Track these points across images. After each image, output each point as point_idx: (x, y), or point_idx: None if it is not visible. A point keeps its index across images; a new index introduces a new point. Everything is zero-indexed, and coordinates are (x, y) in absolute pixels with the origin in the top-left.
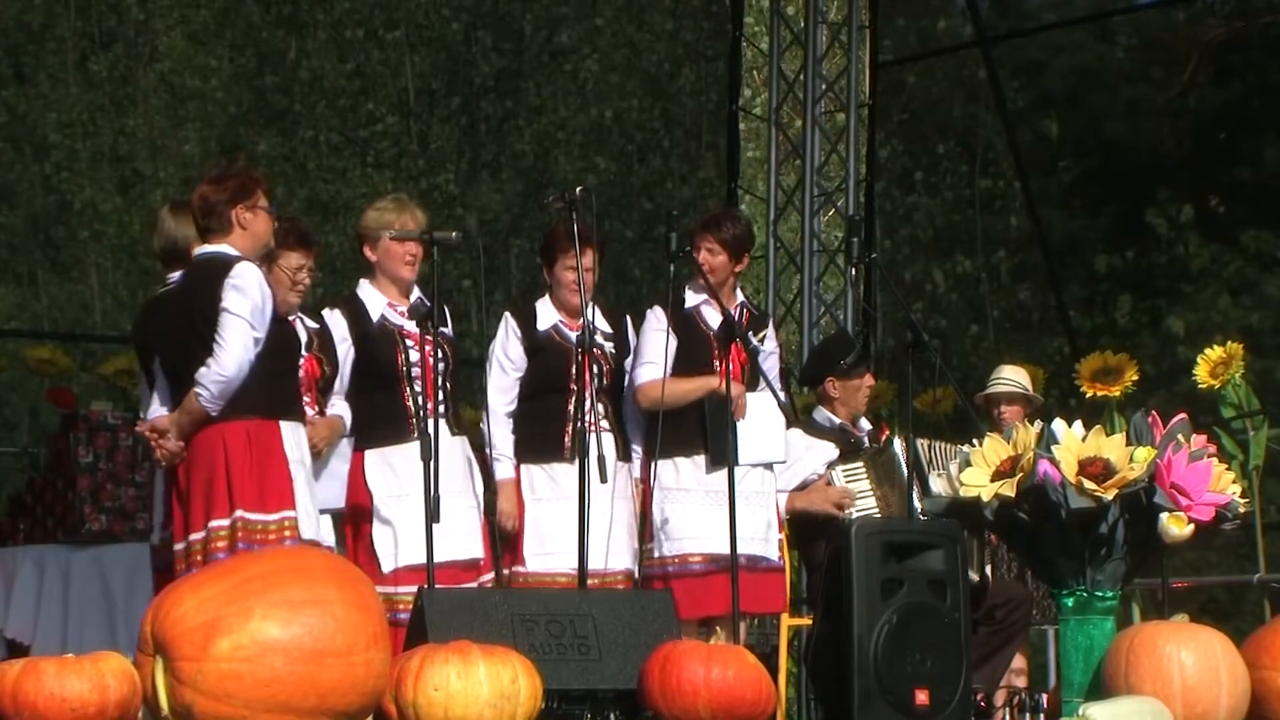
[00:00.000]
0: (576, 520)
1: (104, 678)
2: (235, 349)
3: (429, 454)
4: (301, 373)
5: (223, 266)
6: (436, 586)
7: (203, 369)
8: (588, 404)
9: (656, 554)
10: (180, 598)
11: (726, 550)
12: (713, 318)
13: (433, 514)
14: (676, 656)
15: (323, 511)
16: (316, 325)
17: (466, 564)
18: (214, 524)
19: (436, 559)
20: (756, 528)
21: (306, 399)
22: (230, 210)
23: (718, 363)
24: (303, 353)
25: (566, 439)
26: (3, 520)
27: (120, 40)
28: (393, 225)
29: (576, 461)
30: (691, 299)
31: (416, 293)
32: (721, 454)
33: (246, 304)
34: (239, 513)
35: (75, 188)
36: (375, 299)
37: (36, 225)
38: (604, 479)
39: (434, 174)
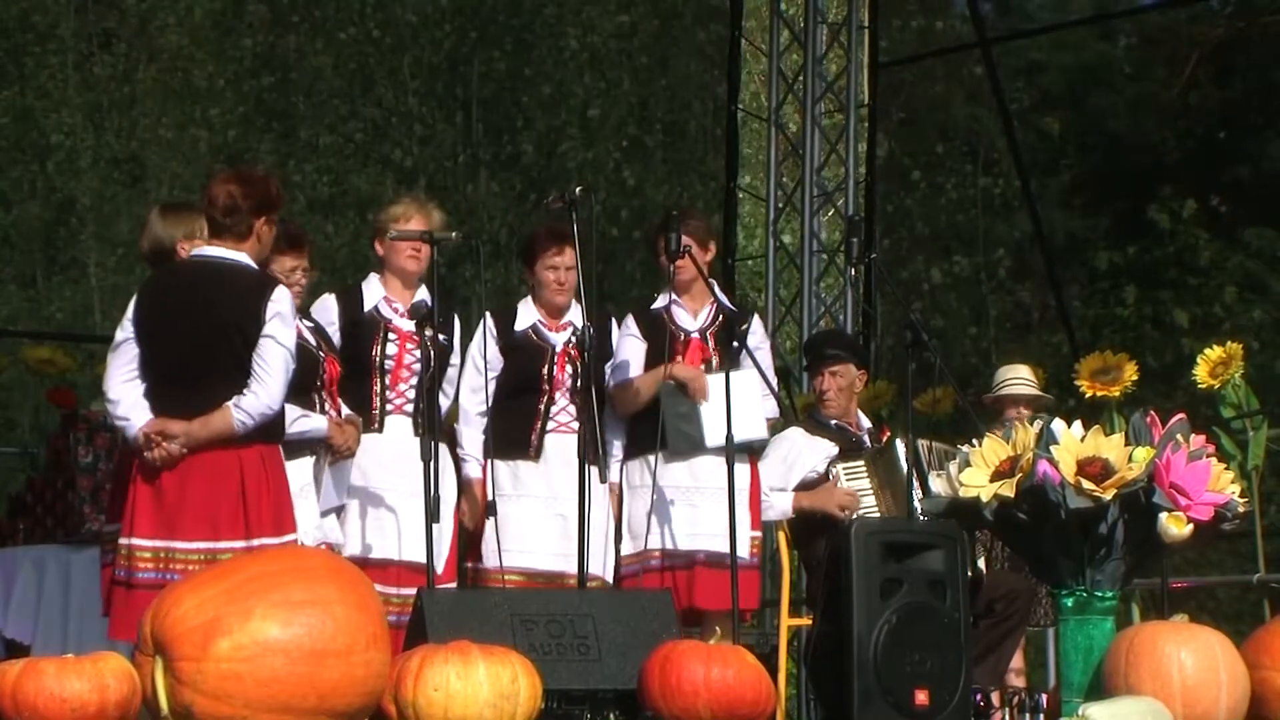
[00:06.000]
0: (537, 519)
1: (104, 678)
2: (280, 380)
3: (429, 454)
4: (325, 375)
5: (258, 283)
6: (436, 588)
7: (249, 397)
8: (557, 405)
9: (622, 553)
10: (180, 598)
11: (686, 546)
12: (682, 318)
13: (433, 514)
14: (676, 656)
15: (329, 511)
16: (312, 324)
17: (418, 567)
18: (224, 544)
19: (379, 555)
20: (716, 523)
21: (328, 401)
22: (255, 219)
23: (680, 358)
24: (320, 354)
25: (533, 437)
26: (3, 520)
27: (121, 40)
28: (398, 220)
29: (542, 460)
30: (661, 300)
31: (423, 293)
32: (679, 440)
33: (290, 335)
34: (258, 540)
35: (80, 189)
36: (374, 291)
37: (37, 226)
38: (604, 479)
39: (432, 173)
